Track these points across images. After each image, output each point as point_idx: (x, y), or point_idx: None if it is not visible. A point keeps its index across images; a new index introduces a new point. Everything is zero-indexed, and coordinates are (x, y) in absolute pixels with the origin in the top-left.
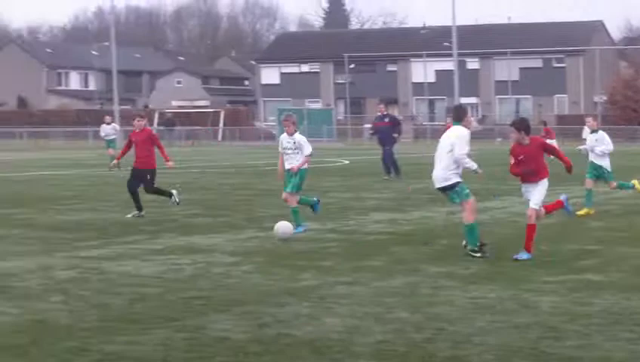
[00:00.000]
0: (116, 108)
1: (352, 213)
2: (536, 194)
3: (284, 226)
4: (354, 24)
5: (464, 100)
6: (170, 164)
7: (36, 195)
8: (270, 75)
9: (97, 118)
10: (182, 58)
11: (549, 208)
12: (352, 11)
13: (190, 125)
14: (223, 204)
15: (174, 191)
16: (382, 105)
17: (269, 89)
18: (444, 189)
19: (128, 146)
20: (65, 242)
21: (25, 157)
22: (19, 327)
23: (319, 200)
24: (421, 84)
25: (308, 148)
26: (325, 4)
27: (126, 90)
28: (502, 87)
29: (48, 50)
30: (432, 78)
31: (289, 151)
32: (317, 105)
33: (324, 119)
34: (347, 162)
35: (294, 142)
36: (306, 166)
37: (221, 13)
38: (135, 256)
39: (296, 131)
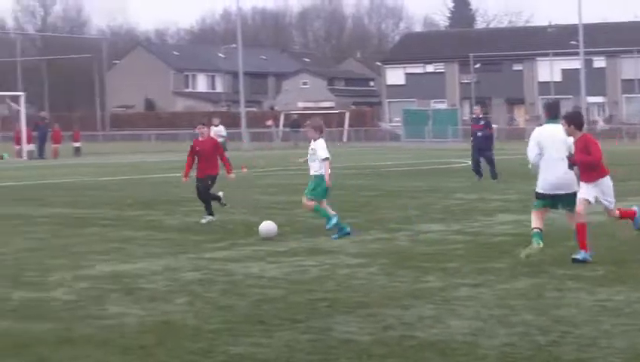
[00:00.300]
0: (242, 110)
1: (477, 215)
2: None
3: (266, 228)
4: (479, 23)
5: (591, 99)
6: (232, 176)
7: (163, 197)
8: (395, 75)
9: (224, 121)
10: (307, 59)
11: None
12: (478, 10)
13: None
14: (348, 205)
15: (221, 194)
16: (478, 108)
17: (394, 89)
18: (566, 196)
19: (192, 156)
20: (191, 244)
21: (152, 160)
22: (145, 328)
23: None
24: (547, 83)
25: (322, 153)
26: (451, 4)
27: (252, 92)
28: (629, 85)
29: (175, 53)
30: (558, 77)
31: (310, 157)
32: (442, 106)
33: (449, 119)
34: None
35: (312, 148)
36: (323, 171)
37: (346, 14)
38: (260, 257)
39: (320, 137)
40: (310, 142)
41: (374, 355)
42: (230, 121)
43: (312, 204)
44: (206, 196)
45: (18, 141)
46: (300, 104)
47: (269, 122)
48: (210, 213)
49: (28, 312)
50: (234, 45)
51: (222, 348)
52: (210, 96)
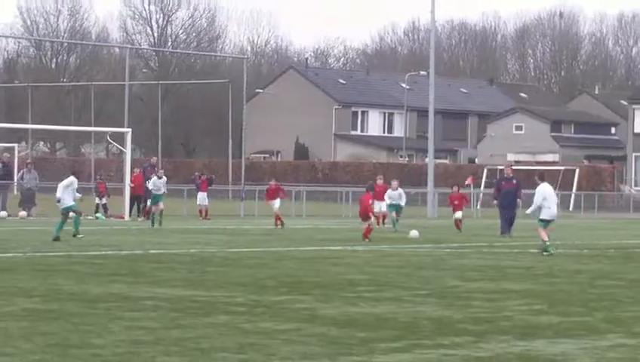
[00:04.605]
0: (431, 163)
1: None
2: None
3: None
4: None
5: None
6: None
7: (318, 278)
8: None
9: (403, 175)
10: (524, 95)
11: None
12: None
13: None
14: (577, 297)
15: None
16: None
17: None
18: None
19: None
20: (355, 343)
21: (303, 226)
22: None
23: None
24: None
25: None
26: None
27: (444, 138)
28: None
29: (341, 82)
30: None
31: None
32: None
33: None
34: None
35: None
36: None
37: (582, 34)
38: None
39: None
40: None
41: None
42: (410, 176)
43: None
44: None
45: None
46: (511, 156)
47: (469, 180)
48: None
49: None
50: (423, 73)
51: None
52: (384, 141)
